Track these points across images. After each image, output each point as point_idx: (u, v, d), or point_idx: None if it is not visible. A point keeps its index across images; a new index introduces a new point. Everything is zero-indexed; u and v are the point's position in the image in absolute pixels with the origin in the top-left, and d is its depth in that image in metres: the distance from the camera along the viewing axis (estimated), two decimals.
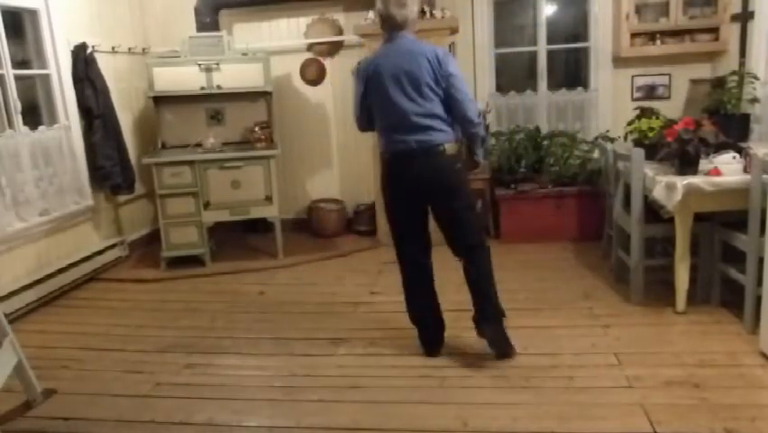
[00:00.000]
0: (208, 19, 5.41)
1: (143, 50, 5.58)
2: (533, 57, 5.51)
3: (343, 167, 5.83)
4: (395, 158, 2.97)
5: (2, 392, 2.69)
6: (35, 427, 2.68)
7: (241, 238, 5.63)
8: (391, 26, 2.92)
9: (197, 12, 5.39)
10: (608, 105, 5.36)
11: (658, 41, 4.98)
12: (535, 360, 3.01)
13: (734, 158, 3.26)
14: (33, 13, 4.46)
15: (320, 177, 5.89)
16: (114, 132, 4.94)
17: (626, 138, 4.25)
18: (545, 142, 5.14)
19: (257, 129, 5.12)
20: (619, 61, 5.22)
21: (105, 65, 4.93)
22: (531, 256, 4.68)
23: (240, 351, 3.36)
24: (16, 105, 4.18)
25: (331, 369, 3.07)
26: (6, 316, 3.02)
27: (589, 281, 4.06)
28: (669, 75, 5.24)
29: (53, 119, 4.62)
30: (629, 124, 4.08)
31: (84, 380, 3.10)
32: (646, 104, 4.68)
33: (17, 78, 4.23)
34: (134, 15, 5.58)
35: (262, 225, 5.48)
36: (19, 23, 4.44)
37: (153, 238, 5.41)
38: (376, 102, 2.98)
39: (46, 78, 4.59)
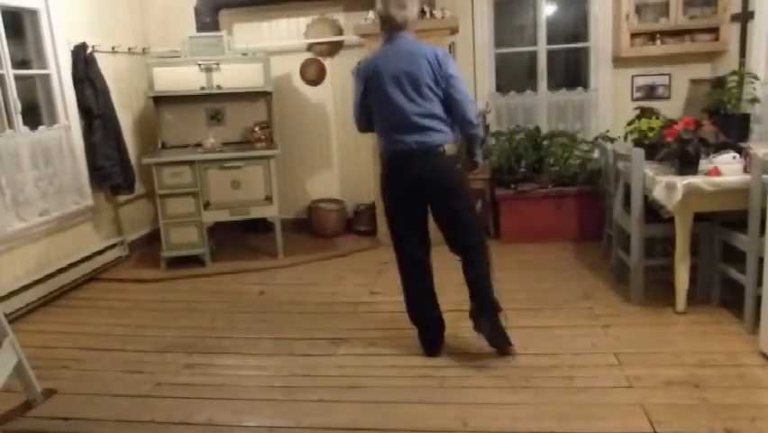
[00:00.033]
0: (208, 19, 5.41)
1: (143, 50, 5.58)
2: (533, 57, 5.51)
3: (343, 167, 5.83)
4: (394, 158, 2.97)
5: (2, 392, 2.69)
6: (35, 427, 2.68)
7: (241, 238, 5.63)
8: (391, 27, 2.92)
9: (197, 12, 5.39)
10: (607, 105, 5.36)
11: (658, 41, 4.98)
12: (535, 360, 3.01)
13: (734, 158, 3.26)
14: (33, 13, 4.46)
15: (320, 177, 5.89)
16: (114, 132, 4.95)
17: (626, 138, 4.25)
18: (545, 142, 5.14)
19: (257, 129, 5.12)
20: (619, 61, 5.22)
21: (105, 65, 4.93)
22: (531, 256, 4.68)
23: (240, 351, 3.36)
24: (16, 105, 4.18)
25: (331, 369, 3.07)
26: (6, 316, 3.02)
27: (589, 281, 4.06)
28: (669, 75, 5.24)
29: (53, 119, 4.62)
30: (629, 124, 4.08)
31: (84, 380, 3.10)
32: (646, 104, 4.68)
33: (17, 77, 4.23)
34: (134, 15, 5.59)
35: (262, 225, 5.48)
36: (19, 23, 4.44)
37: (153, 238, 5.41)
38: (376, 102, 2.98)
39: (46, 78, 4.59)
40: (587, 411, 2.53)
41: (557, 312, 3.59)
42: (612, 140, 4.79)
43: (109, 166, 4.86)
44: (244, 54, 5.19)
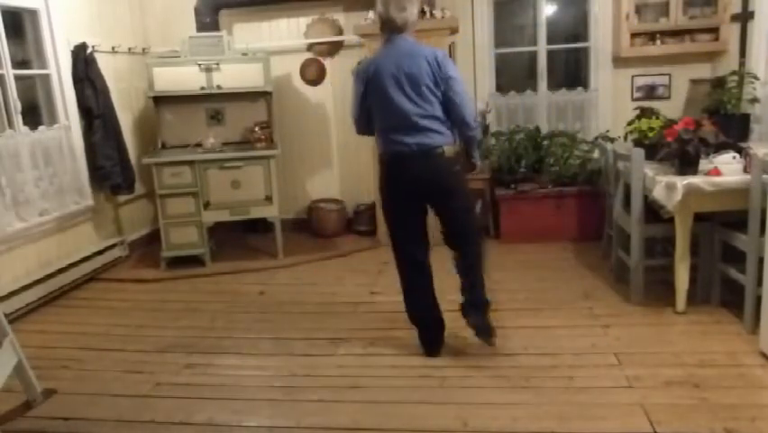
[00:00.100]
0: (208, 19, 5.41)
1: (143, 50, 5.58)
2: (533, 57, 5.51)
3: (343, 167, 5.83)
4: (393, 159, 2.98)
5: (2, 392, 2.69)
6: (35, 427, 2.68)
7: (241, 238, 5.63)
8: (391, 29, 2.93)
9: (197, 12, 5.39)
10: (608, 105, 5.36)
11: (658, 41, 4.98)
12: (535, 360, 3.01)
13: (734, 158, 3.26)
14: (33, 13, 4.46)
15: (320, 177, 5.89)
16: (114, 132, 4.94)
17: (626, 138, 4.25)
18: (545, 142, 5.14)
19: (257, 129, 5.12)
20: (619, 61, 5.22)
21: (105, 65, 4.93)
22: (531, 256, 4.68)
23: (240, 351, 3.36)
24: (16, 105, 4.18)
25: (331, 369, 3.07)
26: (6, 316, 3.02)
27: (589, 281, 4.06)
28: (669, 75, 5.24)
29: (53, 119, 4.62)
30: (629, 124, 4.08)
31: (84, 380, 3.10)
32: (646, 104, 4.68)
33: (17, 77, 4.23)
34: (134, 15, 5.59)
35: (262, 225, 5.48)
36: (19, 23, 4.44)
37: (153, 238, 5.41)
38: (376, 103, 2.98)
39: (46, 78, 4.59)
40: (587, 411, 2.53)
41: (557, 312, 3.59)
42: (612, 140, 4.79)
43: (109, 166, 4.86)
44: (244, 54, 5.19)
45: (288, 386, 2.94)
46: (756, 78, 4.29)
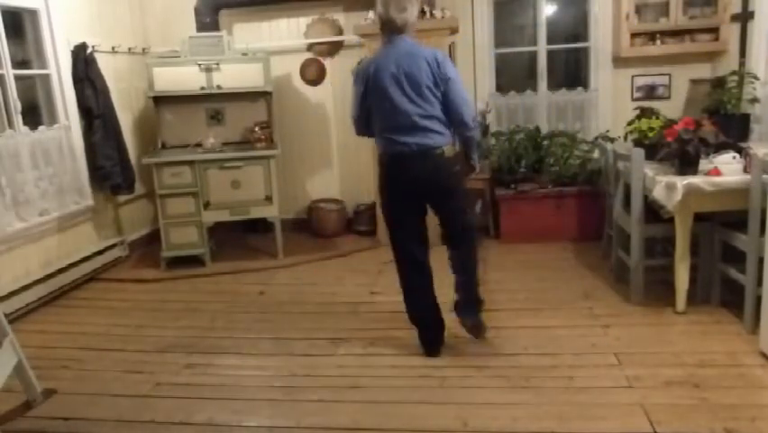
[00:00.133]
0: (208, 19, 5.41)
1: (143, 50, 5.58)
2: (533, 57, 5.51)
3: (343, 167, 5.83)
4: (393, 159, 2.98)
5: (2, 392, 2.69)
6: (35, 427, 2.68)
7: (241, 238, 5.63)
8: (391, 30, 2.94)
9: (197, 12, 5.39)
10: (608, 105, 5.36)
11: (658, 41, 4.98)
12: (535, 360, 3.01)
13: (734, 158, 3.26)
14: (33, 13, 4.46)
15: (320, 177, 5.89)
16: (114, 132, 4.94)
17: (626, 138, 4.25)
18: (545, 142, 5.14)
19: (257, 129, 5.12)
20: (619, 61, 5.22)
21: (105, 65, 4.93)
22: (531, 256, 4.68)
23: (240, 351, 3.35)
24: (16, 105, 4.18)
25: (331, 369, 3.07)
26: (6, 316, 3.02)
27: (589, 281, 4.06)
28: (669, 75, 5.24)
29: (53, 119, 4.62)
30: (629, 124, 4.08)
31: (84, 380, 3.10)
32: (646, 104, 4.67)
33: (17, 77, 4.23)
34: (134, 15, 5.59)
35: (262, 225, 5.48)
36: (19, 23, 4.44)
37: (153, 238, 5.41)
38: (376, 103, 2.98)
39: (46, 78, 4.59)
40: (587, 411, 2.53)
41: (557, 312, 3.59)
42: (612, 140, 4.79)
43: (109, 166, 4.86)
44: (244, 54, 5.19)
45: (288, 386, 2.94)
46: (756, 78, 4.29)
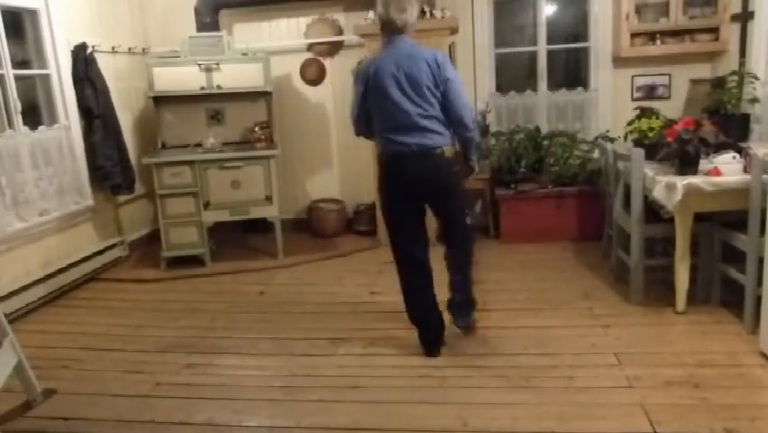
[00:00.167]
0: (208, 19, 5.41)
1: (143, 50, 5.58)
2: (533, 57, 5.51)
3: (343, 167, 5.83)
4: (393, 159, 2.98)
5: (2, 392, 2.69)
6: (35, 427, 2.68)
7: (241, 238, 5.63)
8: (391, 30, 2.94)
9: (197, 12, 5.39)
10: (608, 105, 5.36)
11: (658, 41, 4.98)
12: (535, 360, 3.01)
13: (734, 158, 3.26)
14: (33, 13, 4.46)
15: (320, 177, 5.89)
16: (114, 132, 4.94)
17: (626, 138, 4.25)
18: (545, 142, 5.14)
19: (257, 129, 5.12)
20: (619, 61, 5.22)
21: (105, 65, 4.93)
22: (531, 256, 4.68)
23: (240, 351, 3.35)
24: (16, 105, 4.18)
25: (331, 369, 3.07)
26: (6, 316, 3.02)
27: (589, 281, 4.06)
28: (669, 75, 5.24)
29: (53, 119, 4.62)
30: (629, 124, 4.08)
31: (84, 380, 3.10)
32: (646, 104, 4.68)
33: (17, 77, 4.23)
34: (134, 15, 5.59)
35: (262, 225, 5.48)
36: (19, 23, 4.44)
37: (153, 238, 5.41)
38: (376, 103, 2.98)
39: (46, 78, 4.59)
40: (587, 411, 2.53)
41: (557, 312, 3.59)
42: (612, 140, 4.79)
43: (109, 166, 4.86)
44: (244, 54, 5.19)
45: (288, 386, 2.94)
46: (756, 78, 4.29)
